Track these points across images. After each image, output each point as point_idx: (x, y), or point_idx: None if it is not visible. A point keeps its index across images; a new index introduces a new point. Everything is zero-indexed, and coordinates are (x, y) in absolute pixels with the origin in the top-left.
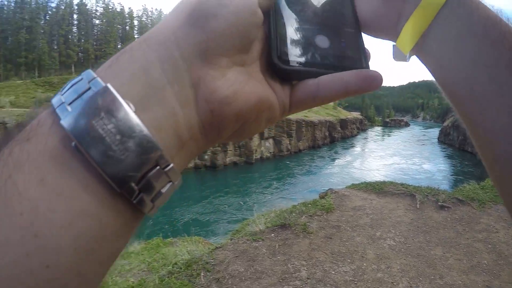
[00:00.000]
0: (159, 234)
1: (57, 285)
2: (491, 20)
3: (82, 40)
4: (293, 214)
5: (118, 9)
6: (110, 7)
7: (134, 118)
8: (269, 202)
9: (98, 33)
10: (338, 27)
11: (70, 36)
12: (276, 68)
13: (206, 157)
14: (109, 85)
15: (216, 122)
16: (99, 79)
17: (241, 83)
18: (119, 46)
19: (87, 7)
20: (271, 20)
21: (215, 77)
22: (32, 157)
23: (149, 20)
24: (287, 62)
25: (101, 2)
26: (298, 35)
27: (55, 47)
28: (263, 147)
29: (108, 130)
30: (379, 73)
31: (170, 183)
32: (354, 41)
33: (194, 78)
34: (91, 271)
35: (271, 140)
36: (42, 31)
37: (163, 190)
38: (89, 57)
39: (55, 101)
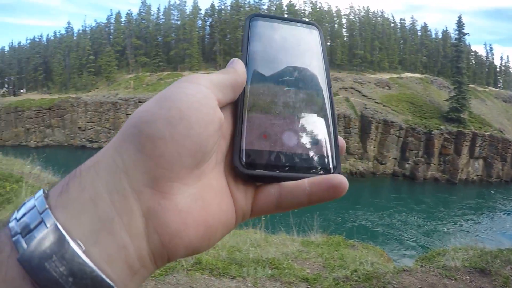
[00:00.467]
0: (342, 233)
1: None
2: None
3: None
4: (498, 261)
5: (326, 8)
6: (317, 7)
7: (84, 259)
8: (455, 233)
9: None
10: (309, 121)
11: None
12: (237, 171)
13: (407, 165)
14: (58, 225)
15: (165, 252)
16: (49, 212)
17: (193, 213)
18: (328, 43)
19: (296, 8)
20: (237, 114)
21: (166, 208)
22: None
23: (356, 18)
24: (249, 165)
25: (308, 2)
26: (264, 133)
27: None
28: (470, 167)
29: (61, 273)
30: (343, 181)
31: None
32: (325, 137)
33: (144, 209)
34: None
35: (481, 161)
36: None
37: None
38: None
39: (12, 226)
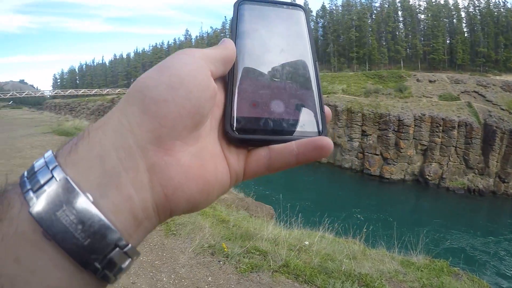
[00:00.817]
0: (448, 257)
1: None
2: None
3: (410, 36)
4: None
5: (442, 2)
6: (433, 1)
7: (93, 209)
8: None
9: (425, 28)
10: (295, 90)
11: (397, 33)
12: (229, 137)
13: None
14: (68, 178)
15: (168, 205)
16: (60, 168)
17: (193, 168)
18: (447, 41)
19: (410, 3)
20: (228, 85)
21: (169, 163)
22: (7, 239)
23: (476, 11)
24: (240, 130)
25: None
26: (253, 101)
27: (384, 43)
28: None
29: (71, 221)
30: (328, 142)
31: (129, 259)
32: (311, 104)
33: (148, 164)
34: None
35: None
36: (370, 29)
37: (123, 266)
38: (417, 52)
39: (22, 184)
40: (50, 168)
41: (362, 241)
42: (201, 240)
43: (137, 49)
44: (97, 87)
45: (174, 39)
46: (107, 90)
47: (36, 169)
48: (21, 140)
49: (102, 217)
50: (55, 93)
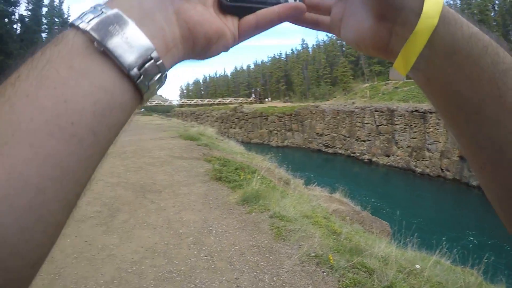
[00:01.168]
0: None
1: (78, 139)
2: (474, 36)
3: None
4: None
5: None
6: None
7: (136, 28)
8: None
9: None
10: None
11: None
12: (222, 4)
13: None
14: (117, 9)
15: (191, 36)
16: (108, 7)
17: (206, 15)
18: None
19: None
20: None
21: (189, 8)
22: (62, 54)
23: None
24: (232, 1)
25: None
26: None
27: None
28: None
29: (119, 34)
30: (302, 4)
31: (160, 73)
32: None
33: (175, 8)
34: (102, 133)
35: None
36: (494, 23)
37: (155, 78)
38: None
39: (75, 21)
40: (99, 8)
41: (481, 272)
42: (308, 249)
43: (256, 61)
44: (220, 97)
45: (292, 49)
46: (230, 99)
47: (87, 11)
48: (151, 142)
49: (143, 34)
50: (182, 102)
